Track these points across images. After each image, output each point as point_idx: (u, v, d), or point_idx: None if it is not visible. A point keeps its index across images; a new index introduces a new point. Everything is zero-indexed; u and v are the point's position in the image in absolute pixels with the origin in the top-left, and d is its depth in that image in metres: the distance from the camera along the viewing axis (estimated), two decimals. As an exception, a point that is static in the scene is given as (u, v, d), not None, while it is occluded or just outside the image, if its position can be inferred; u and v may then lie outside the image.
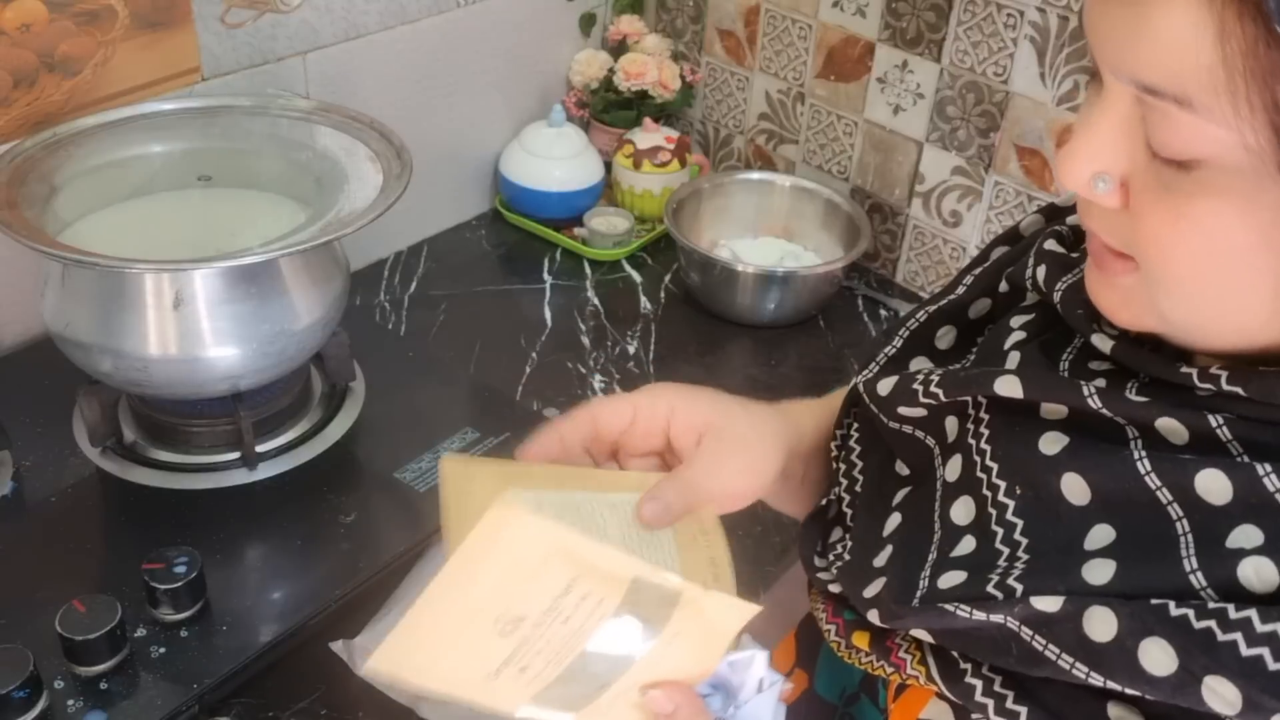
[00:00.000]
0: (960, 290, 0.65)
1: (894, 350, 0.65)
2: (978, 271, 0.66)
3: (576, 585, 0.50)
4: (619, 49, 1.51)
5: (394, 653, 0.50)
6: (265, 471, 0.95)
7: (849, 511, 0.64)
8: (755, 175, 1.46)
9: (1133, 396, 0.49)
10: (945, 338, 0.65)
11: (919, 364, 0.64)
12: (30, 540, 0.89)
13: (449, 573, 0.48)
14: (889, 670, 0.56)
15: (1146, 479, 0.47)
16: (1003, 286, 0.63)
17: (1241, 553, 0.44)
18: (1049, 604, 0.47)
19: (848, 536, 0.63)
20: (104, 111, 1.00)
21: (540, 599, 0.49)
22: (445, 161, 1.41)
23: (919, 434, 0.60)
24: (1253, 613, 0.42)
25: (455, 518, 0.55)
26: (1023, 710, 0.49)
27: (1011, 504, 0.52)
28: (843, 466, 0.66)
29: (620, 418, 0.63)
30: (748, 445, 0.64)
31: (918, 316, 0.66)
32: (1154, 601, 0.45)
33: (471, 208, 1.49)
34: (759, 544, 1.03)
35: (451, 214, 1.46)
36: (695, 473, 0.62)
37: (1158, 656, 0.44)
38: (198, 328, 0.88)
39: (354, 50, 1.24)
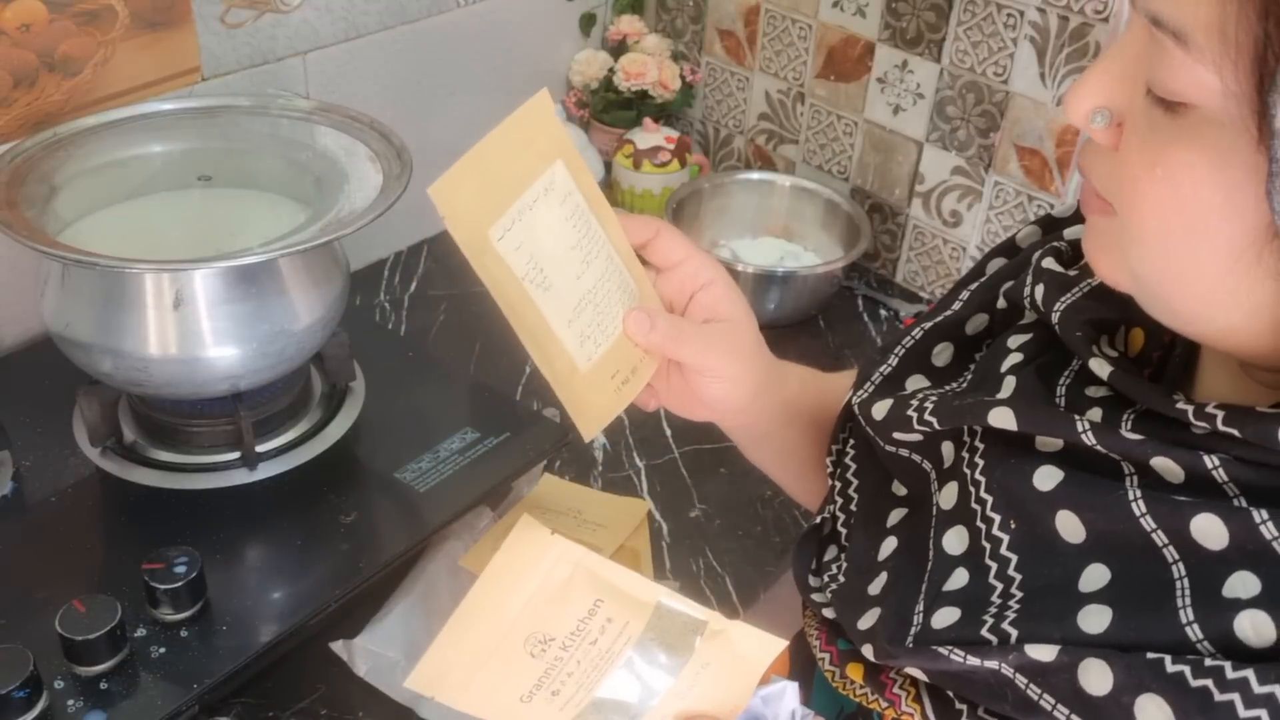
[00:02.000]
0: (956, 305, 0.64)
1: (889, 369, 0.64)
2: (974, 286, 0.65)
3: (601, 608, 0.51)
4: (619, 49, 1.51)
5: (429, 671, 0.51)
6: (265, 471, 0.95)
7: (844, 531, 0.64)
8: (755, 175, 1.46)
9: (1128, 434, 0.48)
10: (942, 355, 0.64)
11: (915, 382, 0.63)
12: (30, 540, 0.89)
13: (479, 590, 0.50)
14: (883, 705, 0.55)
15: (1142, 520, 0.47)
16: (1000, 303, 0.62)
17: (1238, 603, 0.43)
18: (1044, 653, 0.46)
19: (843, 557, 0.62)
20: (104, 111, 1.00)
21: (567, 620, 0.51)
22: (445, 161, 1.40)
23: (915, 458, 0.60)
24: (1250, 672, 0.42)
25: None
26: None
27: (1006, 538, 0.51)
28: (838, 484, 0.66)
29: (674, 252, 0.63)
30: (741, 358, 0.65)
31: (913, 334, 0.65)
32: (1150, 656, 0.44)
33: (471, 208, 1.48)
34: (759, 544, 1.03)
35: (451, 214, 1.46)
36: (691, 332, 0.62)
37: (1154, 714, 0.43)
38: (198, 328, 0.88)
39: (354, 50, 1.24)
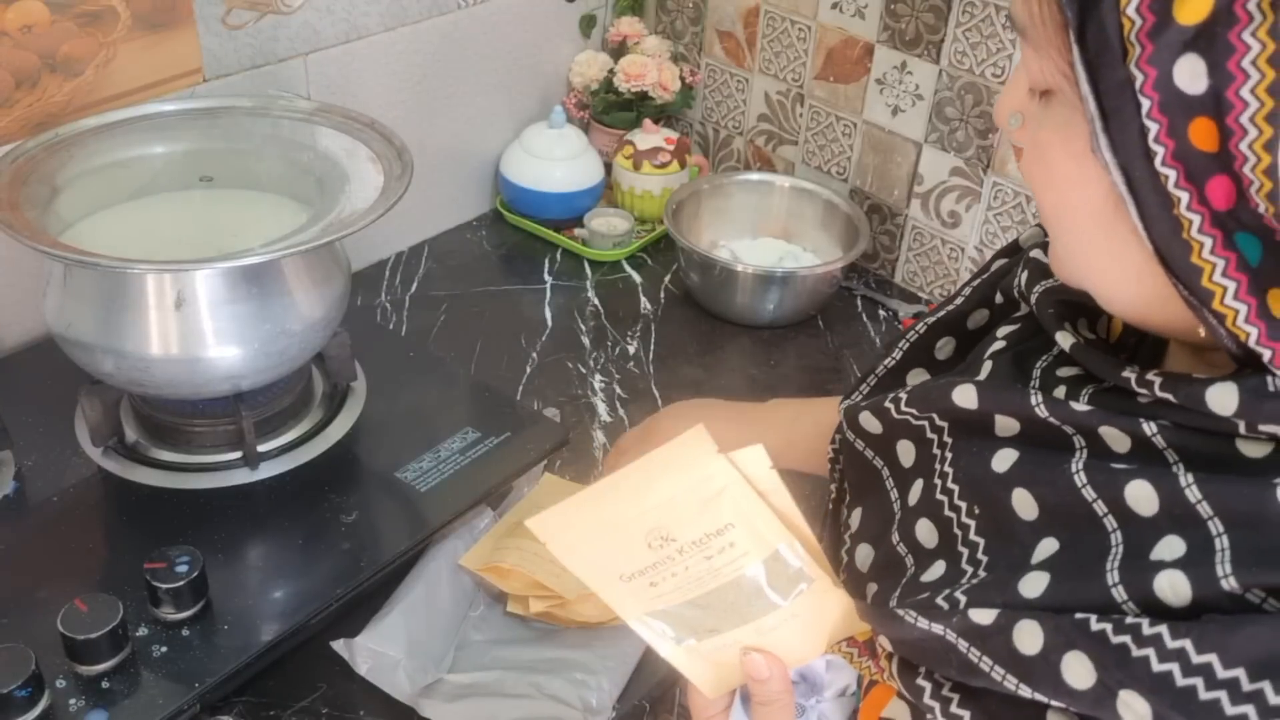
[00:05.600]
0: (959, 301, 0.66)
1: (893, 362, 0.66)
2: (977, 283, 0.67)
3: (729, 532, 0.52)
4: (619, 50, 1.52)
5: (553, 523, 0.52)
6: (266, 471, 0.96)
7: (846, 512, 0.65)
8: (754, 176, 1.46)
9: (1078, 405, 0.50)
10: (944, 349, 0.66)
11: (917, 375, 0.65)
12: (32, 540, 0.89)
13: (630, 472, 0.51)
14: (873, 670, 0.57)
15: (1083, 491, 0.48)
16: (998, 298, 0.64)
17: (1160, 565, 0.45)
18: (984, 616, 0.48)
19: (844, 552, 0.64)
20: (106, 112, 1.00)
21: (694, 530, 0.52)
22: (446, 162, 1.42)
23: (868, 453, 0.62)
24: (1164, 629, 0.43)
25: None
26: (966, 714, 0.50)
27: (973, 524, 0.53)
28: (835, 478, 0.67)
29: None
30: None
31: (917, 328, 0.67)
32: (1077, 616, 0.45)
33: (472, 208, 1.49)
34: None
35: (452, 215, 1.47)
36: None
37: (1078, 670, 0.45)
38: (199, 328, 0.88)
39: (355, 51, 1.25)
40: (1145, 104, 0.41)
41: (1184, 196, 0.42)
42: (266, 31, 1.16)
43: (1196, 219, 0.42)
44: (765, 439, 0.71)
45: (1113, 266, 0.47)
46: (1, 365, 1.07)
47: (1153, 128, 0.41)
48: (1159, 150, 0.42)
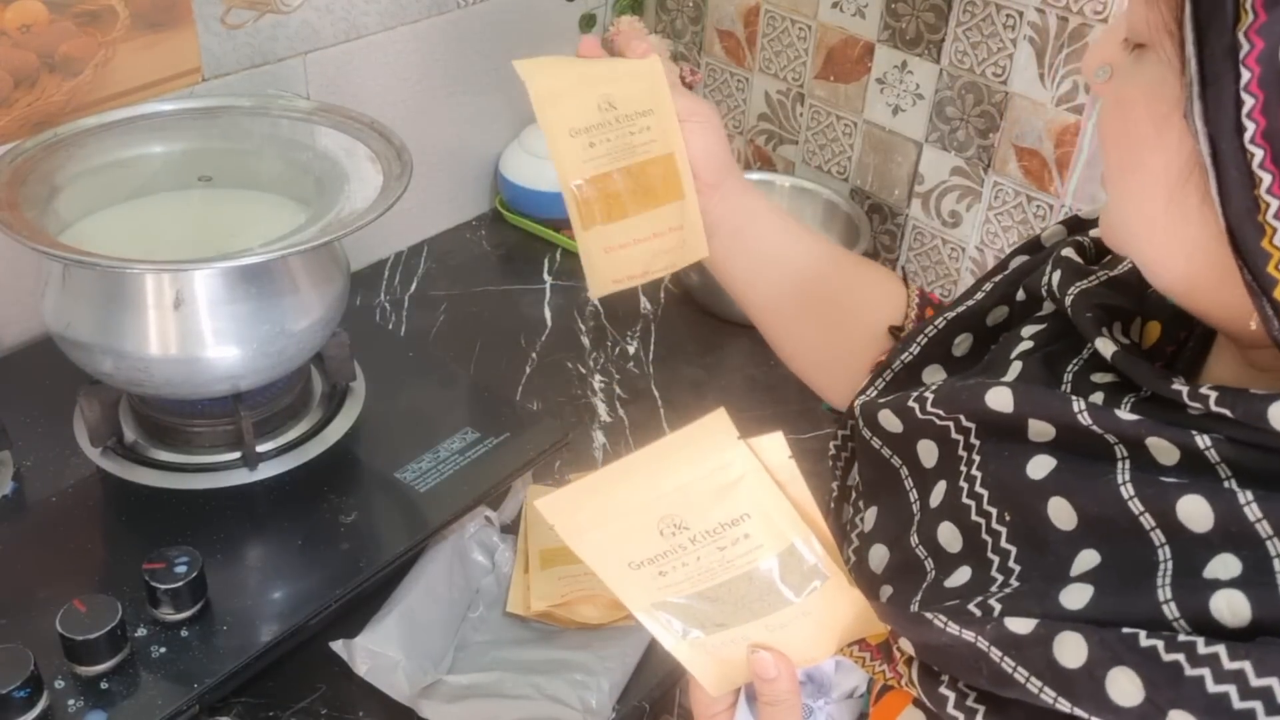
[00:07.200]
0: (979, 297, 0.65)
1: (910, 357, 0.65)
2: (997, 279, 0.66)
3: (745, 523, 0.51)
4: (619, 49, 1.51)
5: (563, 504, 0.51)
6: (266, 471, 0.95)
7: (851, 510, 0.64)
8: (755, 176, 1.46)
9: (1124, 414, 0.49)
10: (962, 345, 0.64)
11: (933, 372, 0.64)
12: (31, 540, 0.89)
13: (646, 455, 0.50)
14: (888, 675, 0.56)
15: (1130, 503, 0.47)
16: (1019, 295, 0.63)
17: (1216, 584, 0.43)
18: (1021, 626, 0.47)
19: (854, 534, 0.63)
20: (105, 112, 1.00)
21: (709, 519, 0.51)
22: (445, 162, 1.41)
23: (885, 452, 0.60)
24: (1221, 648, 0.42)
25: None
26: None
27: (1004, 531, 0.52)
28: (837, 476, 0.67)
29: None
30: (718, 122, 0.79)
31: (936, 324, 0.65)
32: (1125, 631, 0.44)
33: (472, 208, 1.49)
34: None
35: (452, 214, 1.46)
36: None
37: (1125, 687, 0.43)
38: (198, 328, 0.88)
39: (354, 51, 1.24)
40: (1245, 76, 0.40)
41: (1267, 178, 0.41)
42: (265, 31, 1.16)
43: (1275, 203, 0.41)
44: None
45: (1166, 238, 0.46)
46: (0, 365, 1.07)
47: (1249, 102, 0.40)
48: (1250, 126, 0.40)
